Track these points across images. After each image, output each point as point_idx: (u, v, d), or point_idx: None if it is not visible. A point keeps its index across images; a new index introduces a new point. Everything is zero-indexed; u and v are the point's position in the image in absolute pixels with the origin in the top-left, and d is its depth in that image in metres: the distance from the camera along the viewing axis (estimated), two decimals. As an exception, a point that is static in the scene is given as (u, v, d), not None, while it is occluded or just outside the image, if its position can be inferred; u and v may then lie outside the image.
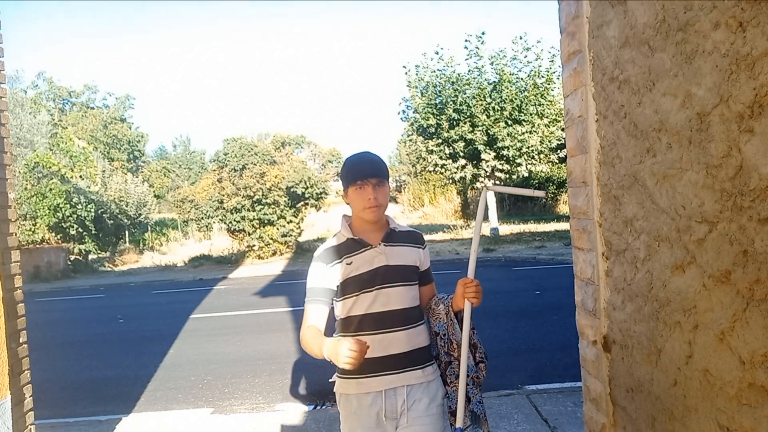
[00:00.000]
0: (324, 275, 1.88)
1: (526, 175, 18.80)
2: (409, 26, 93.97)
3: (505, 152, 16.99)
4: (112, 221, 21.08)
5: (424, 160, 18.11)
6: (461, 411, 1.83)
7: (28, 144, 24.17)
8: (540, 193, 1.86)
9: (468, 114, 17.01)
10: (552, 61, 17.42)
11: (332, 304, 1.92)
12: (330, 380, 2.01)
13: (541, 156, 17.65)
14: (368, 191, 1.85)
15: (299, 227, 18.72)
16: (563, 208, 26.25)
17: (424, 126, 17.68)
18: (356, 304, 1.86)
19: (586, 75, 1.82)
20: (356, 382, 1.86)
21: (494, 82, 17.32)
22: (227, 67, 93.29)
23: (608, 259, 1.76)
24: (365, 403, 1.84)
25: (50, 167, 18.99)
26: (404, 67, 18.36)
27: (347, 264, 1.86)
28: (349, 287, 1.86)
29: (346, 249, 1.89)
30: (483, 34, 17.09)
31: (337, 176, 19.85)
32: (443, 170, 17.97)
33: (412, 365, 1.86)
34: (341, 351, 1.58)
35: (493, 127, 16.86)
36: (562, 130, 16.68)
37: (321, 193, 18.40)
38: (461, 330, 1.86)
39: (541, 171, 19.08)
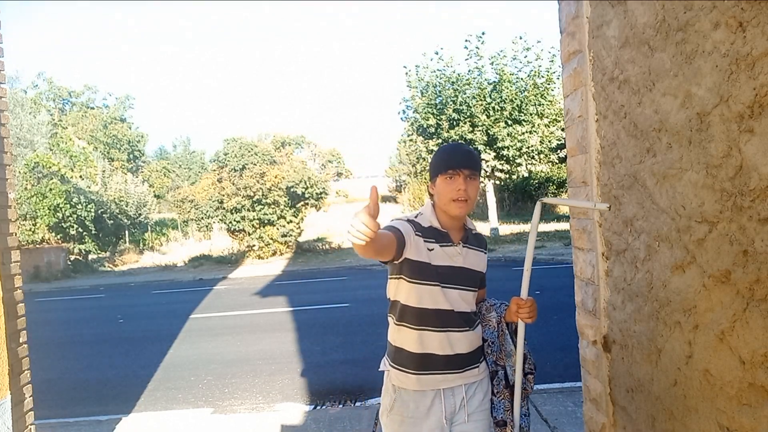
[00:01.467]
0: (409, 231, 1.73)
1: (526, 175, 18.80)
2: (409, 26, 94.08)
3: (505, 152, 17.00)
4: (112, 221, 21.09)
5: (424, 160, 18.13)
6: (518, 419, 1.84)
7: (28, 144, 24.18)
8: (603, 206, 1.67)
9: (468, 114, 17.02)
10: (552, 61, 17.43)
11: (400, 248, 1.70)
12: (380, 369, 1.92)
13: (541, 156, 17.66)
14: (459, 182, 1.73)
15: (299, 227, 18.72)
16: (563, 208, 26.24)
17: (424, 126, 17.69)
18: (425, 295, 1.75)
19: (586, 75, 1.82)
20: (417, 378, 1.78)
21: (494, 82, 17.33)
22: (227, 67, 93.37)
23: (608, 259, 1.76)
24: (424, 406, 1.78)
25: (50, 167, 19.01)
26: (404, 67, 18.38)
27: (429, 249, 1.75)
28: (422, 273, 1.74)
29: (432, 234, 1.78)
30: (483, 34, 17.10)
31: (337, 176, 19.82)
32: (443, 170, 17.97)
33: (472, 364, 1.84)
34: (357, 218, 1.34)
35: (493, 127, 16.87)
36: (562, 130, 16.68)
37: (321, 193, 18.41)
38: (514, 345, 1.86)
39: (541, 171, 19.08)
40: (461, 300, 1.80)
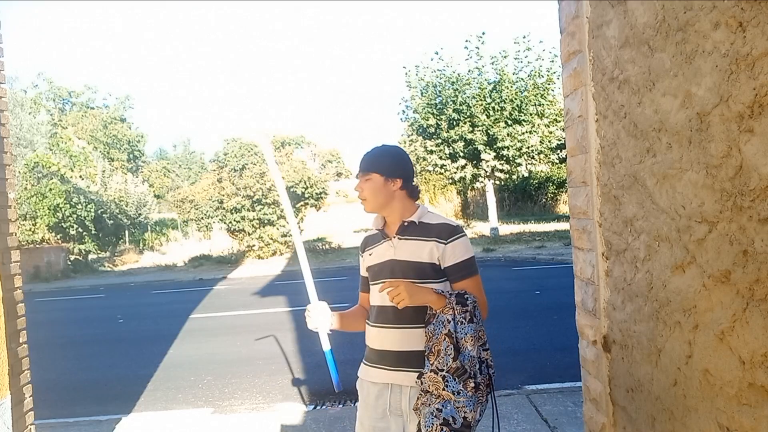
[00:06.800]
0: (361, 263, 2.06)
1: (526, 174, 18.79)
2: (409, 26, 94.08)
3: (505, 152, 16.99)
4: (112, 221, 21.09)
5: (424, 160, 18.11)
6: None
7: (28, 144, 24.17)
8: None
9: (468, 114, 17.01)
10: (552, 61, 17.42)
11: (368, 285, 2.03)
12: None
13: (541, 156, 17.65)
14: (357, 184, 1.94)
15: (299, 227, 18.71)
16: (563, 208, 26.24)
17: (424, 126, 17.68)
18: (372, 293, 1.95)
19: (586, 75, 1.82)
20: (365, 368, 1.95)
21: (494, 82, 17.31)
22: (227, 67, 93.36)
23: (608, 259, 1.76)
24: (373, 393, 1.89)
25: (50, 167, 19.01)
26: (404, 67, 18.37)
27: (369, 255, 1.98)
28: (370, 277, 1.96)
29: (372, 240, 2.00)
30: (483, 34, 17.09)
31: (337, 176, 19.81)
32: (443, 170, 17.97)
33: (409, 366, 1.78)
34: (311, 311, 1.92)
35: (493, 127, 16.86)
36: (562, 130, 16.67)
37: (320, 193, 18.40)
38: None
39: (541, 171, 19.07)
40: None
